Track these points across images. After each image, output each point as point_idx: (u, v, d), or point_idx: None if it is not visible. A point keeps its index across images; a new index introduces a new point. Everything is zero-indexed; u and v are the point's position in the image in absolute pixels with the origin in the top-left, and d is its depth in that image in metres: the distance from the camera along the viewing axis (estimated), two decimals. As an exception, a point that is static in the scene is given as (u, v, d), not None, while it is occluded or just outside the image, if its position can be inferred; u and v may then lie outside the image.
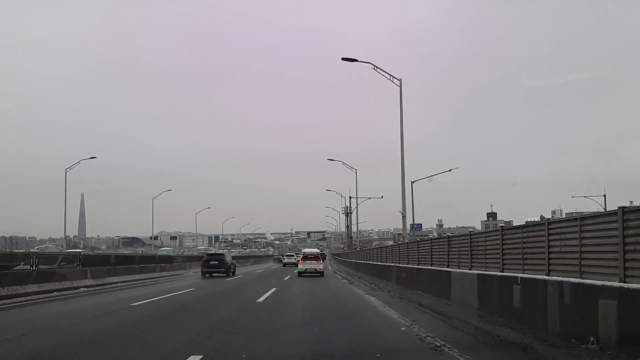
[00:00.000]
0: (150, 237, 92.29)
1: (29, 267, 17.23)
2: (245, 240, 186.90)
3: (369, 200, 60.07)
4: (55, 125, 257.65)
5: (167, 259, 36.29)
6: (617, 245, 6.73)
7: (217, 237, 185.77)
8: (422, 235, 53.75)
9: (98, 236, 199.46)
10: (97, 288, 20.10)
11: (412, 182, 38.14)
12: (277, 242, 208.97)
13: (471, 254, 12.77)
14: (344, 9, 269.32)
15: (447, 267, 14.60)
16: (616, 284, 6.57)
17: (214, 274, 29.71)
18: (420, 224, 65.71)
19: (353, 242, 71.60)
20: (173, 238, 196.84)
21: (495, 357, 6.92)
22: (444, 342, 7.43)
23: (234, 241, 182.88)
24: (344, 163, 48.36)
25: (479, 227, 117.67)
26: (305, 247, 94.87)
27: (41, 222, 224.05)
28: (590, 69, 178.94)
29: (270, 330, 9.14)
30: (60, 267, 19.02)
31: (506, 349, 7.20)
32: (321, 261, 32.08)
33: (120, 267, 25.10)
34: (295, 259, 51.55)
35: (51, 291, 17.01)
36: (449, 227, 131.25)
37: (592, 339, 6.76)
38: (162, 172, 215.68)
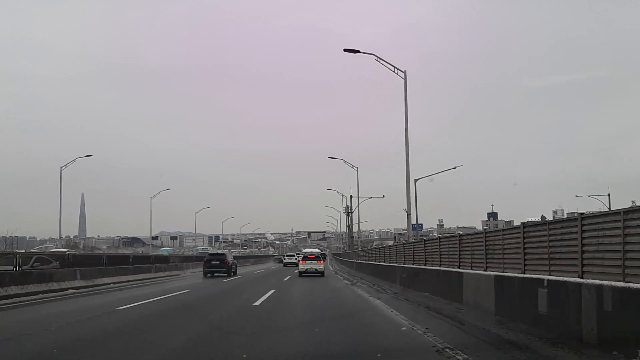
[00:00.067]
0: (150, 237, 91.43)
1: (11, 267, 16.26)
2: (245, 240, 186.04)
3: (370, 201, 59.06)
4: (55, 125, 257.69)
5: (163, 259, 35.12)
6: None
7: (217, 237, 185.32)
8: (423, 235, 52.80)
9: (98, 236, 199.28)
10: (86, 290, 19.17)
11: (416, 180, 37.16)
12: (277, 242, 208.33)
13: (486, 254, 11.76)
14: (344, 9, 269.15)
15: (459, 267, 13.62)
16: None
17: (216, 274, 29.85)
18: (421, 224, 64.78)
19: (354, 242, 70.74)
20: (173, 238, 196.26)
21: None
22: (466, 356, 6.45)
23: (234, 241, 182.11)
24: (345, 161, 47.68)
25: (479, 227, 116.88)
26: (305, 247, 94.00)
27: (41, 222, 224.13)
28: (590, 69, 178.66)
29: (271, 330, 9.04)
30: (34, 268, 17.92)
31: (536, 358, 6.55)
32: (322, 261, 32.12)
33: (113, 267, 24.20)
34: (295, 259, 51.51)
35: (36, 293, 16.11)
36: (450, 227, 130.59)
37: (639, 351, 5.81)
38: (162, 172, 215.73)
